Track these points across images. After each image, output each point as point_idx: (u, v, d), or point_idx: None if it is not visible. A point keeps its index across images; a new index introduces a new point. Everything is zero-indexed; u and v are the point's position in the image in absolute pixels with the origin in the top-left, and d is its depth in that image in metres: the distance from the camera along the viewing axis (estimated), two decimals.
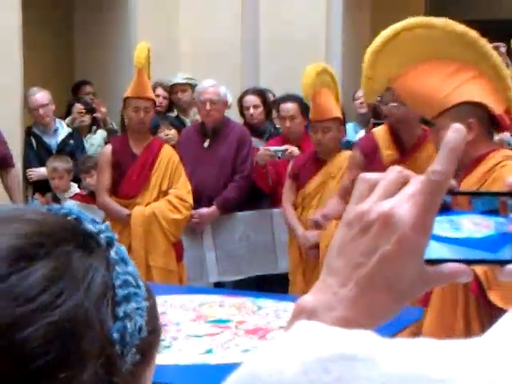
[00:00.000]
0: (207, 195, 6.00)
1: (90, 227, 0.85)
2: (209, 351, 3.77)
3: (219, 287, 6.00)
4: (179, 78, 7.56)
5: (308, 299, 0.83)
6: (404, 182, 0.83)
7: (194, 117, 7.06)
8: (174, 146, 6.01)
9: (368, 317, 0.81)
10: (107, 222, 0.89)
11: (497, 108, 3.26)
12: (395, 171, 0.84)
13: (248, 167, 6.07)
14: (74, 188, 6.39)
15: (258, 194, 6.15)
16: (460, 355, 0.63)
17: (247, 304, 4.56)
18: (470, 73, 3.27)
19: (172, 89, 7.52)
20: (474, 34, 3.25)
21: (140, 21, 8.36)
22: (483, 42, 3.26)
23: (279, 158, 5.82)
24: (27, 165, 6.68)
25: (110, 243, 0.86)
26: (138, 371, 0.85)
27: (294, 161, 5.61)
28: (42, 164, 6.56)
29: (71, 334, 0.78)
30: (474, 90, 3.27)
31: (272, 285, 5.80)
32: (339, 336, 0.67)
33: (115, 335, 0.81)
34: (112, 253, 0.85)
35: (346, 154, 5.44)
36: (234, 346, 3.83)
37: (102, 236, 0.85)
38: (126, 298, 0.83)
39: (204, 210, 5.98)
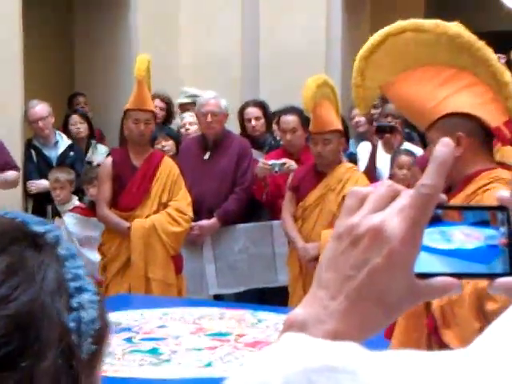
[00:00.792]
0: (207, 207, 6.00)
1: (37, 228, 0.90)
2: (208, 364, 3.77)
3: (219, 300, 6.00)
4: (182, 98, 7.58)
5: (298, 312, 0.83)
6: (394, 196, 0.83)
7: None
8: (171, 157, 6.01)
9: (358, 330, 0.81)
10: (55, 222, 0.93)
11: (495, 119, 2.96)
12: (385, 185, 0.84)
13: (248, 179, 6.07)
14: (75, 200, 6.38)
15: (258, 205, 6.15)
16: (442, 367, 0.63)
17: (247, 317, 4.56)
18: (465, 80, 2.99)
19: (180, 108, 7.56)
20: (469, 36, 2.96)
21: (141, 33, 8.38)
22: (479, 44, 2.96)
23: (276, 172, 5.81)
24: (27, 177, 6.69)
25: (57, 241, 0.90)
26: (94, 361, 0.89)
27: (295, 173, 5.62)
28: (43, 176, 6.57)
29: (29, 325, 0.82)
30: (465, 100, 2.98)
31: (272, 297, 5.79)
32: (324, 348, 0.68)
33: (71, 324, 0.85)
34: (60, 250, 0.89)
35: (345, 167, 5.44)
36: (233, 360, 3.83)
37: (50, 235, 0.90)
38: (78, 289, 0.88)
39: (204, 222, 5.98)
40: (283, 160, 5.84)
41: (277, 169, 5.79)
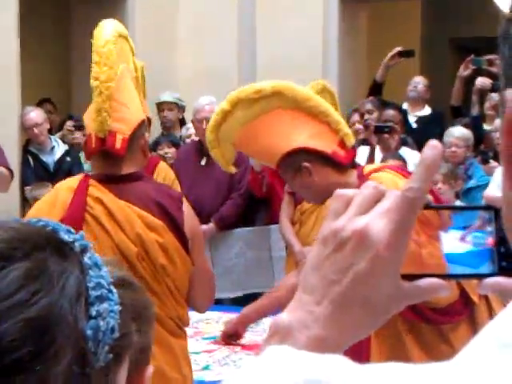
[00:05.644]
0: (204, 212, 5.99)
1: (65, 236, 0.92)
2: (206, 367, 3.77)
3: (217, 304, 5.98)
4: (168, 96, 7.56)
5: (284, 317, 0.82)
6: (379, 198, 0.82)
7: (186, 132, 7.08)
8: (172, 165, 6.02)
9: (344, 334, 0.80)
10: (82, 232, 0.95)
11: None
12: (370, 187, 0.83)
13: (245, 185, 6.06)
14: None
15: (254, 210, 6.14)
16: (431, 379, 0.62)
17: None
18: None
19: (159, 106, 7.52)
20: None
21: (138, 46, 8.33)
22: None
23: None
24: (25, 183, 6.68)
25: (83, 250, 0.93)
26: (111, 369, 0.91)
27: None
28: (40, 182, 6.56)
29: (45, 330, 0.83)
30: None
31: None
32: (308, 361, 0.65)
33: (88, 332, 0.87)
34: (86, 258, 0.92)
35: None
36: (231, 363, 3.83)
37: (77, 244, 0.92)
38: (98, 298, 0.90)
39: (202, 227, 5.97)
40: None
41: None
